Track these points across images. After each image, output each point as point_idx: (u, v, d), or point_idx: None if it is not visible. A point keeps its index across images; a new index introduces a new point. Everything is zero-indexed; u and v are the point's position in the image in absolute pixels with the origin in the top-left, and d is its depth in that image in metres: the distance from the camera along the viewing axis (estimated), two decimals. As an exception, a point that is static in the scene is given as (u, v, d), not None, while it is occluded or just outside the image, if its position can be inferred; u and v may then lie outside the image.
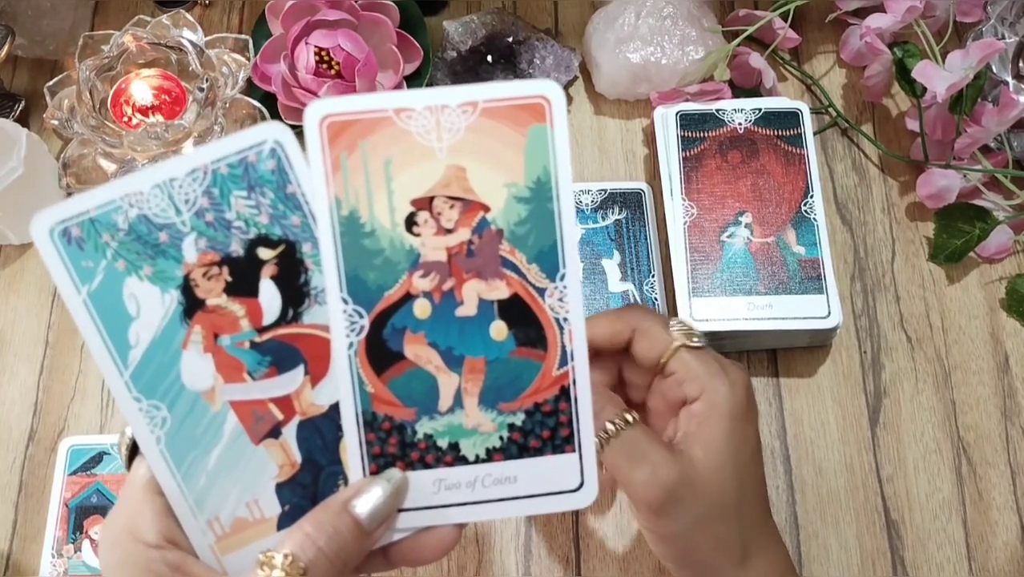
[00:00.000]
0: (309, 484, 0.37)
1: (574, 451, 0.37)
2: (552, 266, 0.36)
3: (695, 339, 0.43)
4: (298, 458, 0.37)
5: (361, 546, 0.35)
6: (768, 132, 0.61)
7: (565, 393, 0.37)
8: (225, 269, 0.36)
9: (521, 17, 0.70)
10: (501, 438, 0.37)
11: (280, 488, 0.37)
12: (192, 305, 0.36)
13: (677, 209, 0.60)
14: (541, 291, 0.36)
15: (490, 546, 0.57)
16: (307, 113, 0.35)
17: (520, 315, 0.36)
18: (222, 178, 0.35)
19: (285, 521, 0.36)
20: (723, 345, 0.59)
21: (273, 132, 0.35)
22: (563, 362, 0.37)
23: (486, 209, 0.36)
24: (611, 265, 0.63)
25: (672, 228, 0.60)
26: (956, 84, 0.59)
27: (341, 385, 0.36)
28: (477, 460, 0.37)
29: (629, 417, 0.42)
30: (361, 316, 0.36)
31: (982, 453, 0.59)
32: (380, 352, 0.36)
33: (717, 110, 0.62)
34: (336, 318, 0.36)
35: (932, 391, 0.60)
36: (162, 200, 0.35)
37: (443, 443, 0.37)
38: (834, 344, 0.62)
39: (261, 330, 0.36)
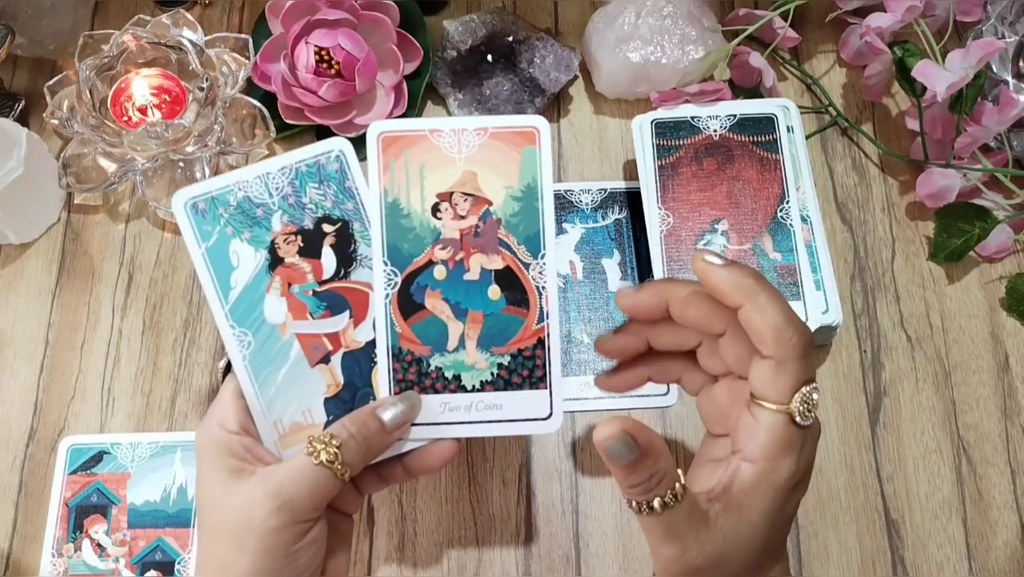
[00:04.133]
0: (348, 400, 0.48)
1: (546, 388, 0.48)
2: (536, 247, 0.48)
3: (805, 417, 0.39)
4: (341, 380, 0.48)
5: (383, 441, 0.45)
6: (743, 138, 0.61)
7: (541, 343, 0.48)
8: (299, 237, 0.48)
9: (521, 16, 0.70)
10: (492, 374, 0.47)
11: (327, 402, 0.48)
12: (275, 261, 0.48)
13: (654, 218, 0.60)
14: (527, 265, 0.48)
15: (490, 546, 0.57)
16: (369, 130, 0.48)
17: (511, 282, 0.48)
18: (302, 174, 0.49)
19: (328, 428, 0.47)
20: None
21: (339, 144, 0.49)
22: (540, 319, 0.48)
23: (490, 203, 0.48)
24: (611, 264, 0.63)
25: (651, 237, 0.59)
26: (956, 83, 0.59)
27: (378, 325, 0.48)
28: (473, 389, 0.47)
29: (679, 489, 0.39)
30: (396, 275, 0.48)
31: (982, 452, 0.59)
32: (407, 302, 0.48)
33: (692, 117, 0.62)
34: (378, 276, 0.48)
35: (932, 391, 0.60)
36: (260, 187, 0.48)
37: (449, 374, 0.47)
38: (834, 344, 0.61)
39: (321, 283, 0.48)
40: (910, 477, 0.58)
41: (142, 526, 0.56)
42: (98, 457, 0.58)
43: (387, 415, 0.45)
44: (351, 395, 0.48)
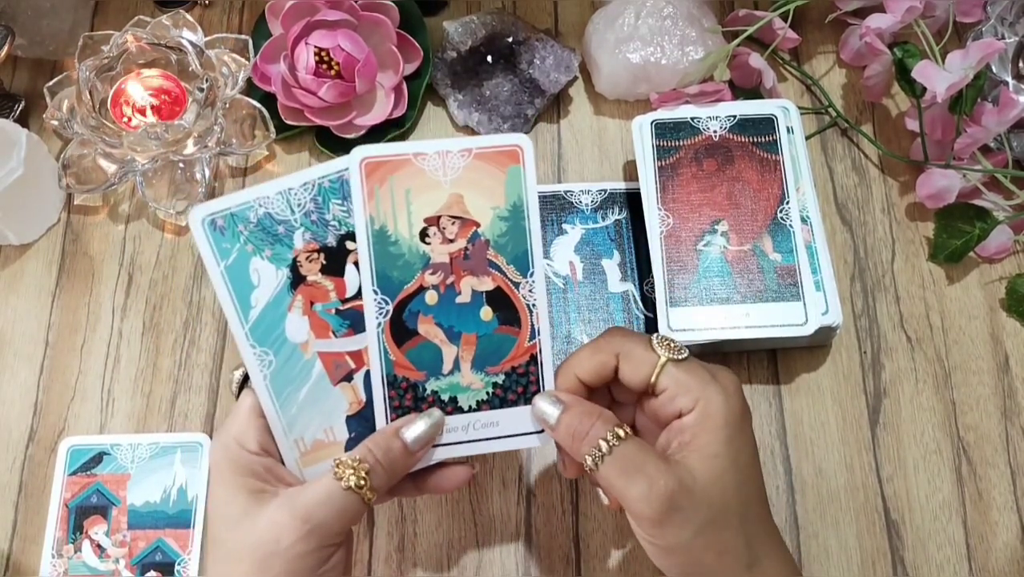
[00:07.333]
0: (370, 418, 0.47)
1: None
2: (524, 266, 0.48)
3: (679, 352, 0.45)
4: (364, 398, 0.47)
5: (406, 462, 0.46)
6: (743, 139, 0.61)
7: (534, 360, 0.48)
8: (322, 255, 0.47)
9: (521, 17, 0.70)
10: (488, 393, 0.48)
11: (349, 419, 0.47)
12: (297, 280, 0.47)
13: (653, 219, 0.60)
14: (516, 284, 0.48)
15: (490, 546, 0.57)
16: (351, 157, 0.47)
17: (502, 302, 0.48)
18: (324, 189, 0.47)
19: (350, 445, 0.47)
20: (722, 347, 0.59)
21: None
22: (532, 336, 0.48)
23: (477, 225, 0.48)
24: (611, 265, 0.63)
25: (650, 238, 0.60)
26: (956, 84, 0.59)
27: (371, 354, 0.47)
28: (470, 409, 0.48)
29: (621, 432, 0.43)
30: (387, 303, 0.47)
31: (982, 453, 0.59)
32: (400, 329, 0.47)
33: (692, 118, 0.62)
34: (368, 305, 0.47)
35: (932, 391, 0.60)
36: (282, 203, 0.47)
37: (445, 397, 0.48)
38: (834, 344, 0.62)
39: (344, 301, 0.47)
40: (910, 478, 0.58)
41: (142, 527, 0.56)
42: (98, 458, 0.58)
43: (410, 435, 0.45)
44: (373, 412, 0.47)
